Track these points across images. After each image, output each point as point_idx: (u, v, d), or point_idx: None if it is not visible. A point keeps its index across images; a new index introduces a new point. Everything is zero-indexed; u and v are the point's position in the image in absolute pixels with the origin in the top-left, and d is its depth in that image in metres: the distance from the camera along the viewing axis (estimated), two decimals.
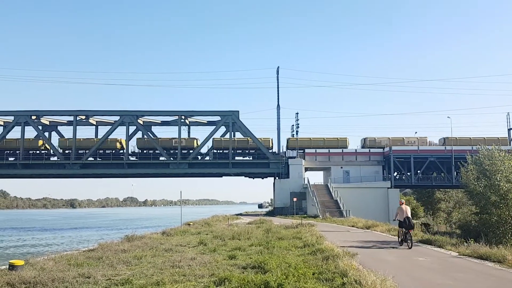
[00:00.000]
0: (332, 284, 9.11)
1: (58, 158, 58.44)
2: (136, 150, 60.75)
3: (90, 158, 59.36)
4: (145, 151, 60.41)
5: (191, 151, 59.33)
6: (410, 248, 17.02)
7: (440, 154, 57.38)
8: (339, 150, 60.14)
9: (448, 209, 62.85)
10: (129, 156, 59.14)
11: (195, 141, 60.25)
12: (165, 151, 58.96)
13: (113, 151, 59.90)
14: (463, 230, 33.98)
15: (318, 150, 60.23)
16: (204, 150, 60.45)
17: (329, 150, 60.19)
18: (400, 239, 18.14)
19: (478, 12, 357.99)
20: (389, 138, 61.20)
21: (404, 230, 17.60)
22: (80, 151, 59.19)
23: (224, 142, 59.41)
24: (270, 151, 60.32)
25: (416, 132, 64.46)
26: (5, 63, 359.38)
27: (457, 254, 15.57)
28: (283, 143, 62.38)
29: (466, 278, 10.85)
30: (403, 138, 61.71)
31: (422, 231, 30.62)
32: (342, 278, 9.40)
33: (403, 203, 18.64)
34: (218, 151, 59.98)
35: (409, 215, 17.82)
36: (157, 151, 59.16)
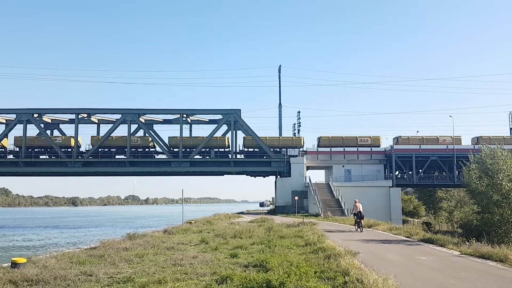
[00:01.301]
0: (334, 283, 9.12)
1: (60, 157, 58.51)
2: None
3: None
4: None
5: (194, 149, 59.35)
6: (361, 231, 24.50)
7: (442, 153, 57.32)
8: (341, 149, 60.06)
9: (450, 208, 62.81)
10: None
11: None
12: (167, 149, 59.07)
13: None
14: (464, 229, 34.01)
15: (320, 149, 60.21)
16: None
17: (330, 149, 60.13)
18: (355, 226, 26.06)
19: (481, 12, 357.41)
20: None
21: (357, 219, 25.67)
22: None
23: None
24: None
25: (417, 132, 64.34)
26: (6, 61, 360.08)
27: (459, 253, 15.56)
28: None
29: (468, 277, 10.84)
30: None
31: (423, 230, 30.61)
32: (344, 277, 9.41)
33: (356, 202, 26.73)
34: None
35: (361, 210, 25.61)
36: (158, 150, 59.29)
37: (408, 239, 21.16)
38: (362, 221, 25.35)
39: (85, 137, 66.81)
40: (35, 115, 59.17)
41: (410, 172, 58.73)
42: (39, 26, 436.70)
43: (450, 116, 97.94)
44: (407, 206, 66.89)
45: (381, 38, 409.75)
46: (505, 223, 25.94)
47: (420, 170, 58.54)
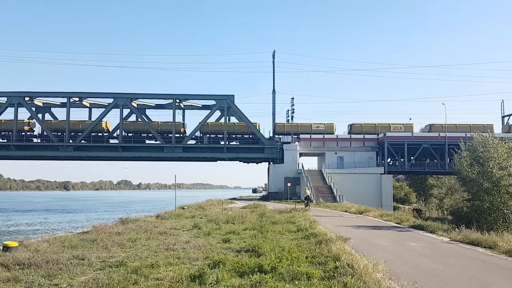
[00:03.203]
0: (325, 268, 9.21)
1: (51, 140, 58.06)
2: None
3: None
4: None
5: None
6: (308, 209, 29.46)
7: (434, 141, 57.61)
8: (334, 136, 60.17)
9: (441, 195, 63.41)
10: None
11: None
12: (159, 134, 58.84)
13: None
14: (455, 216, 34.28)
15: (313, 136, 60.24)
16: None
17: (323, 136, 60.20)
18: (305, 205, 31.84)
19: (475, 3, 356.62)
20: None
21: (306, 201, 33.35)
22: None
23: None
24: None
25: (410, 119, 64.52)
26: None
27: (449, 239, 15.76)
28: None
29: (457, 263, 10.99)
30: None
31: (414, 216, 30.92)
32: (335, 262, 9.51)
33: (306, 189, 36.68)
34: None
35: (308, 195, 34.64)
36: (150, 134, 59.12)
37: (399, 225, 21.40)
38: (309, 202, 34.07)
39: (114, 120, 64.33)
40: (27, 98, 58.51)
41: (402, 160, 59.04)
42: (32, 10, 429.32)
43: (442, 103, 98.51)
44: (398, 193, 67.40)
45: (378, 25, 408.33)
46: (494, 211, 26.19)
47: (412, 158, 58.87)
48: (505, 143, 27.77)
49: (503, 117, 66.40)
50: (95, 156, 60.43)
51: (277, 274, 8.56)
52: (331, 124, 61.17)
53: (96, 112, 61.44)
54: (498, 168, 26.17)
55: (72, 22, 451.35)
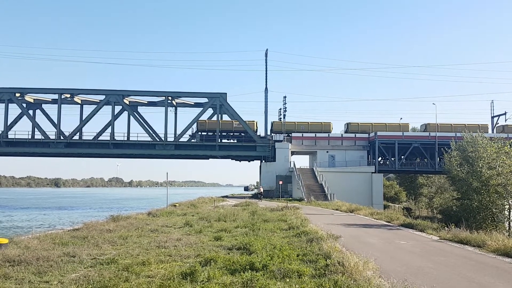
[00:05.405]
0: (316, 266, 9.28)
1: (42, 137, 57.63)
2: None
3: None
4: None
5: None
6: (261, 201, 40.25)
7: (424, 140, 58.03)
8: (325, 135, 60.37)
9: (430, 194, 63.94)
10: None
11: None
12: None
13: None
14: (444, 215, 34.65)
15: (305, 134, 60.40)
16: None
17: (315, 135, 60.37)
18: (259, 199, 41.55)
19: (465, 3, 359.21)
20: None
21: (259, 196, 44.77)
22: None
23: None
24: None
25: (401, 118, 64.78)
26: None
27: (438, 238, 15.92)
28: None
29: (446, 262, 11.12)
30: None
31: (404, 215, 31.15)
32: (326, 260, 9.59)
33: (261, 187, 49.69)
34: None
35: (262, 192, 47.38)
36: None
37: (389, 223, 21.55)
38: (261, 197, 45.41)
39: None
40: (17, 95, 57.92)
41: (392, 159, 59.43)
42: (21, 4, 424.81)
43: (433, 103, 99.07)
44: (388, 191, 67.84)
45: (368, 23, 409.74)
46: (483, 210, 26.52)
47: (402, 157, 59.25)
48: (494, 143, 28.09)
49: (492, 117, 67.05)
50: (86, 153, 60.03)
51: (269, 271, 8.61)
52: (406, 124, 61.28)
53: (88, 109, 61.18)
54: (487, 167, 26.51)
55: (63, 17, 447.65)
